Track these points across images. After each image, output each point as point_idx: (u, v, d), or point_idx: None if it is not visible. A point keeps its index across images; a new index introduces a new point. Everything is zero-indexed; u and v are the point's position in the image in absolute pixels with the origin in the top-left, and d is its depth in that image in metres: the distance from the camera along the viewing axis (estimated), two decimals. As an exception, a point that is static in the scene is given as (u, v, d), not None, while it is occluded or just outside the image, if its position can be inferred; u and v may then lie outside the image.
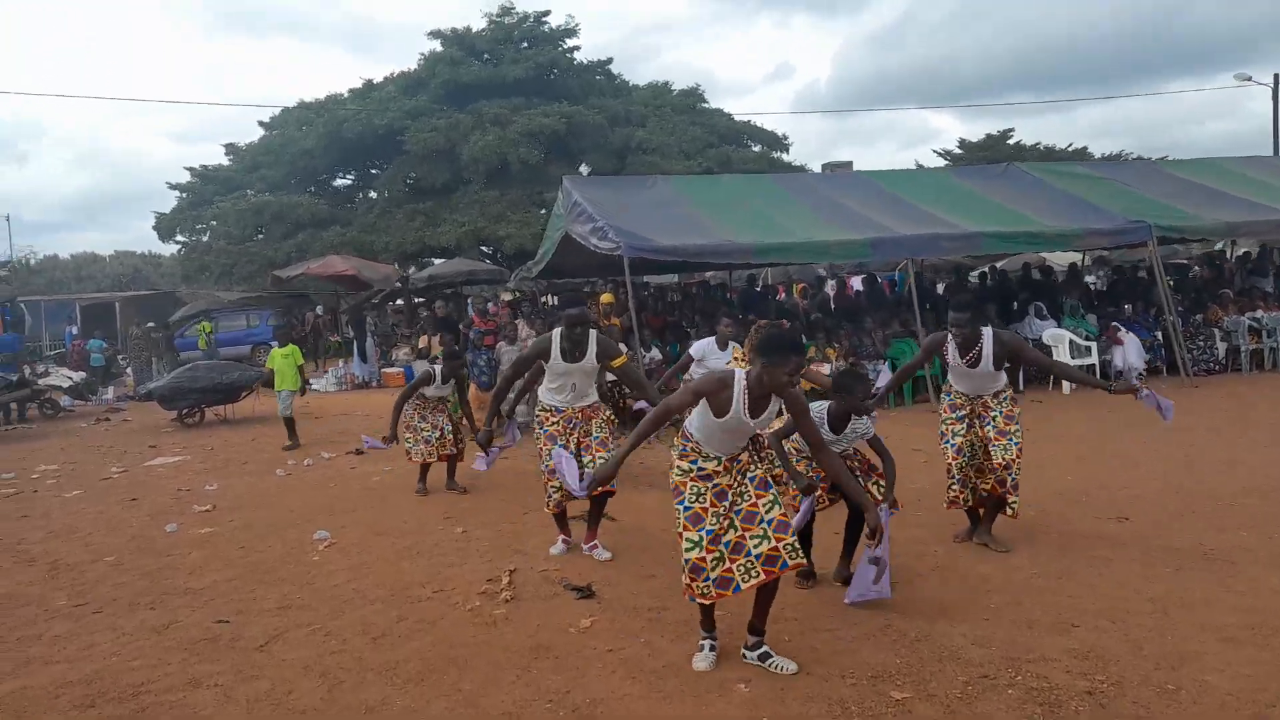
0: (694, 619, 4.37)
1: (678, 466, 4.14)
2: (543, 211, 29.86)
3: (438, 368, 8.12)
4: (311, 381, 19.62)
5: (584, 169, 31.36)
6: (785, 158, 34.59)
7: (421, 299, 26.41)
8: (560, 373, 5.69)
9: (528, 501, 7.65)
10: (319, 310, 25.17)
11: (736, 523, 4.05)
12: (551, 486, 5.73)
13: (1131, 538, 5.80)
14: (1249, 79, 31.64)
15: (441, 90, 31.44)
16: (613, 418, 5.96)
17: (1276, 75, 30.76)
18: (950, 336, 5.64)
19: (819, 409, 4.96)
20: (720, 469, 4.11)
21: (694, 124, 32.44)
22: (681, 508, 4.08)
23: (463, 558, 6.07)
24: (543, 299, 12.81)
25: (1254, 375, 13.47)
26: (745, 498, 4.08)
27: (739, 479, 4.12)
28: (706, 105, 35.21)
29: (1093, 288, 17.45)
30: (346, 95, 34.29)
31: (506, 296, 20.75)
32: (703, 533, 4.02)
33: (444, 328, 11.86)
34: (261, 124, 34.81)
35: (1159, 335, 13.82)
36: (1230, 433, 9.13)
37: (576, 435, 5.75)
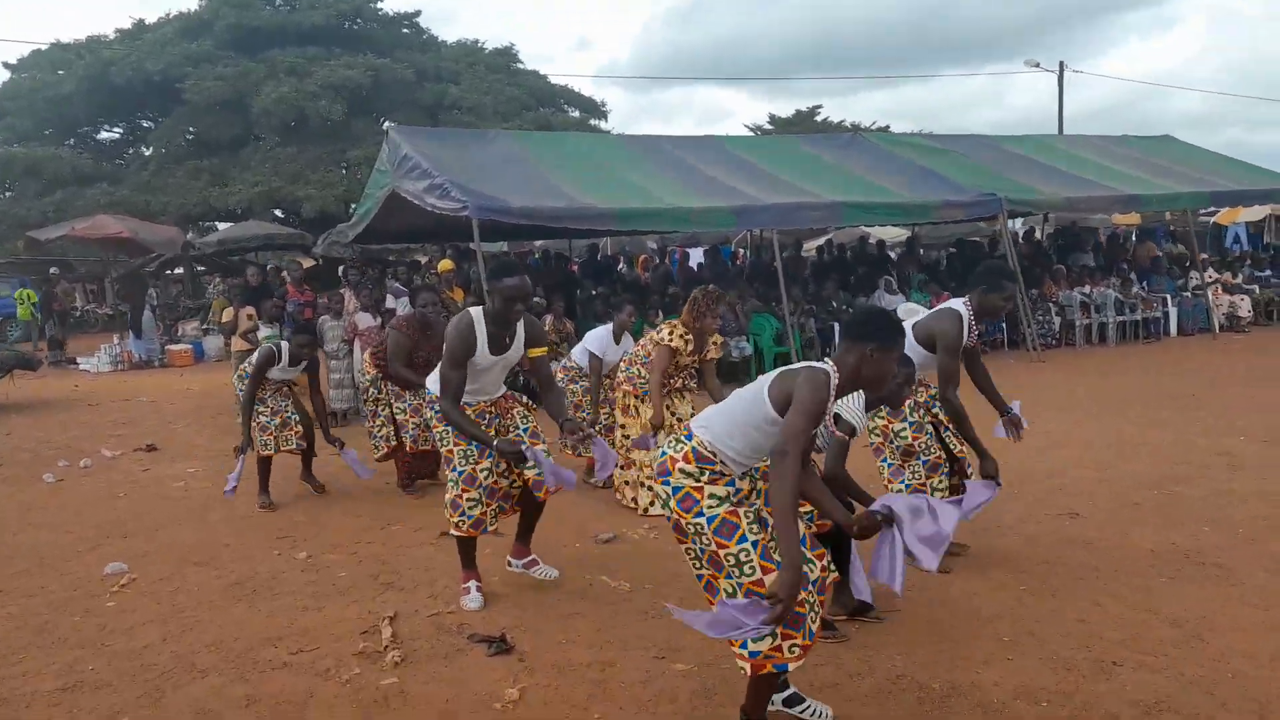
0: (653, 679, 3.34)
1: (710, 495, 3.03)
2: (344, 171, 27.64)
3: (285, 346, 6.55)
4: (79, 360, 17.06)
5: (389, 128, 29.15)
6: (604, 125, 33.71)
7: (204, 267, 23.61)
8: (481, 369, 4.32)
9: (386, 512, 6.28)
10: (56, 273, 20.95)
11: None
12: (467, 499, 4.36)
13: (1098, 539, 5.21)
14: (1037, 65, 33.69)
15: (227, 35, 28.27)
16: (530, 403, 4.73)
17: (1062, 63, 32.93)
18: (969, 318, 4.56)
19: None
20: (750, 486, 3.17)
21: (510, 84, 30.81)
22: (752, 547, 2.95)
23: (319, 598, 4.69)
24: (366, 267, 11.17)
25: (1088, 349, 13.83)
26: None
27: (753, 487, 3.19)
28: (522, 66, 33.62)
29: (924, 263, 17.61)
30: (113, 36, 30.21)
31: (308, 263, 18.64)
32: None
33: (258, 298, 10.05)
34: (7, 65, 30.19)
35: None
36: (1109, 411, 8.99)
37: (494, 431, 4.47)
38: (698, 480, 3.04)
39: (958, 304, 4.63)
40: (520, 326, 4.36)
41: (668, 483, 3.09)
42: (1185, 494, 5.99)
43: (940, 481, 4.74)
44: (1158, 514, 5.60)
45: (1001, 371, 11.75)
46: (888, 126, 37.33)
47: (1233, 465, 6.64)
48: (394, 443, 6.72)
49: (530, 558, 4.67)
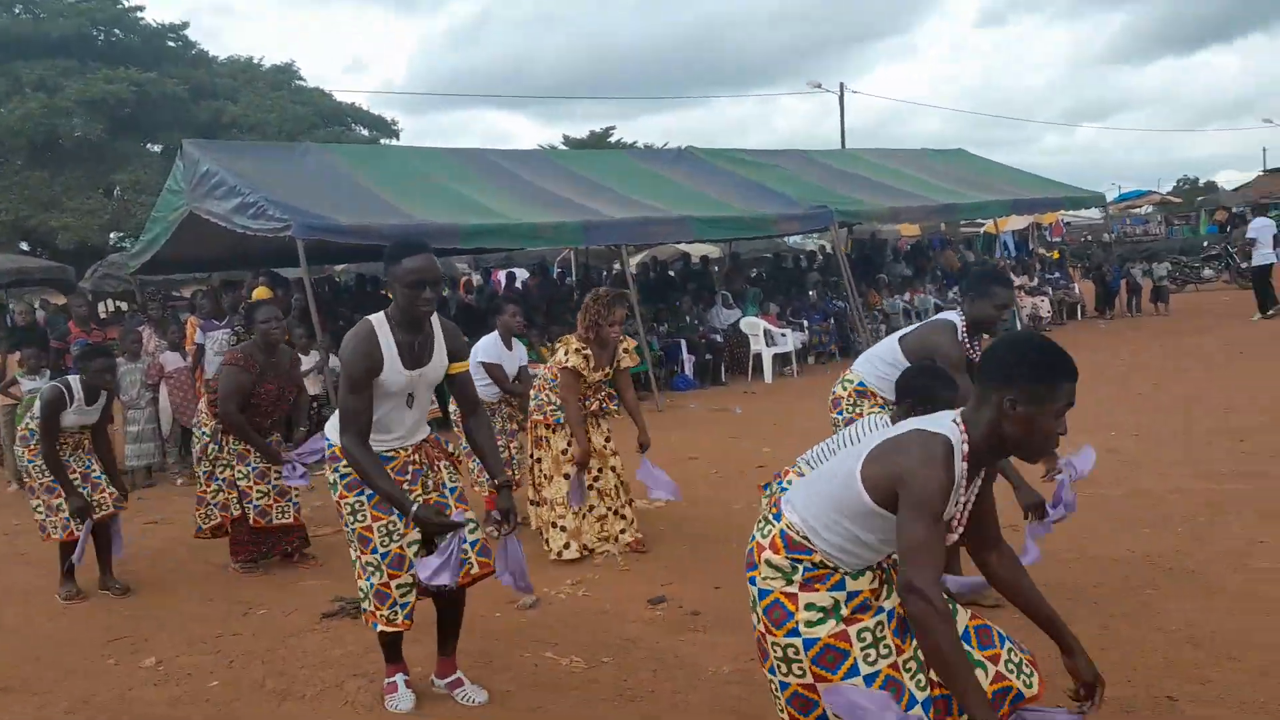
0: None
1: (808, 605, 2.20)
2: (108, 197, 24.78)
3: (74, 381, 5.20)
4: None
5: (156, 150, 26.47)
6: (396, 144, 32.18)
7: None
8: (393, 390, 3.30)
9: (239, 593, 5.16)
10: None
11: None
12: (398, 586, 3.38)
13: (1055, 550, 4.97)
14: (819, 85, 35.38)
15: (-42, 45, 24.74)
16: (456, 453, 3.78)
17: (841, 84, 34.71)
18: (963, 330, 4.09)
19: (879, 419, 3.45)
20: (875, 585, 2.31)
21: (294, 101, 28.81)
22: (864, 684, 2.16)
23: (188, 721, 3.63)
24: (153, 302, 9.57)
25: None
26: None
27: (883, 582, 2.36)
28: (303, 83, 31.58)
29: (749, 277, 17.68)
30: None
31: (60, 300, 16.29)
32: (918, 709, 2.19)
33: (28, 340, 8.37)
34: None
35: (831, 321, 14.14)
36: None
37: (419, 494, 3.40)
38: (789, 580, 2.23)
39: (951, 315, 4.21)
40: (437, 329, 3.38)
41: (754, 582, 2.32)
42: (1105, 495, 5.90)
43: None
44: (1096, 518, 5.45)
45: (829, 382, 11.88)
46: (687, 147, 38.05)
47: (1124, 462, 6.69)
48: (233, 513, 5.42)
49: (455, 675, 3.63)
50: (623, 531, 5.39)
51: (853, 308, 13.46)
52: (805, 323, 13.53)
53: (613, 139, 41.96)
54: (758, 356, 12.26)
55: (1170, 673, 3.45)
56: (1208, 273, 21.10)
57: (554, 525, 5.28)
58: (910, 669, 2.23)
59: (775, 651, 2.26)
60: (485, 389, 5.82)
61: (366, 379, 3.19)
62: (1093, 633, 3.73)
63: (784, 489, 3.44)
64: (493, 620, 4.46)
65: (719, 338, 12.55)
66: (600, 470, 5.36)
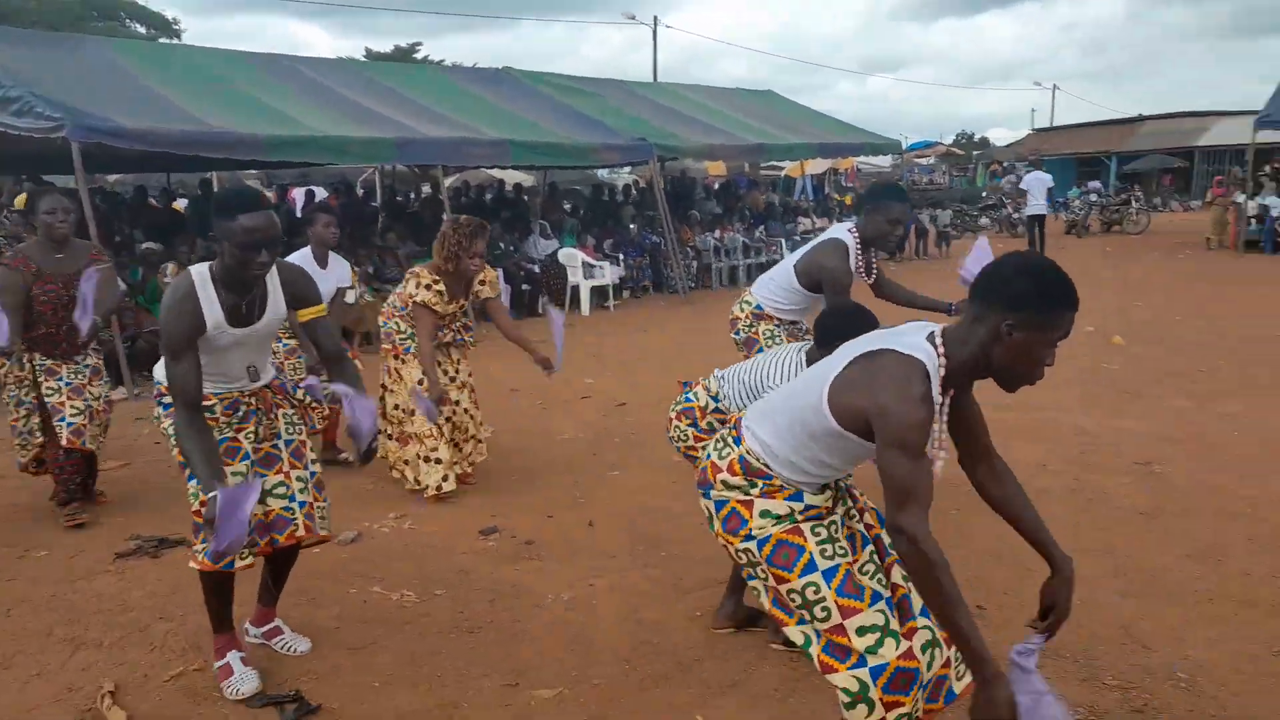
0: (520, 714, 2.58)
1: (762, 512, 2.23)
2: None
3: None
4: None
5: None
6: (184, 44, 29.34)
7: None
8: (221, 348, 2.92)
9: (15, 536, 4.61)
10: None
11: (894, 573, 2.30)
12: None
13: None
14: (633, 17, 35.13)
15: None
16: (307, 400, 3.40)
17: (655, 17, 34.60)
18: (855, 246, 3.98)
19: (797, 358, 3.27)
20: (830, 502, 2.31)
21: (58, -11, 25.67)
22: (823, 579, 2.16)
23: (-34, 676, 3.20)
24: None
25: (724, 290, 14.50)
26: (864, 519, 2.39)
27: (849, 505, 2.40)
28: (69, -30, 28.17)
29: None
30: None
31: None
32: (882, 606, 2.18)
33: None
34: None
35: (647, 256, 14.24)
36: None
37: (251, 441, 3.05)
38: (747, 493, 2.25)
39: (840, 230, 4.11)
40: (275, 282, 2.98)
41: (708, 495, 2.33)
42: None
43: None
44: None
45: (655, 313, 12.10)
46: (508, 68, 36.95)
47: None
48: (42, 439, 4.68)
49: (274, 623, 3.35)
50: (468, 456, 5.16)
51: (668, 243, 13.58)
52: (622, 256, 13.54)
53: (419, 55, 40.24)
54: (575, 289, 12.17)
55: (979, 586, 3.70)
56: (984, 221, 22.82)
57: (426, 460, 4.92)
58: (867, 571, 2.22)
59: (741, 558, 2.29)
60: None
61: (188, 344, 2.79)
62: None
63: (690, 400, 3.41)
64: (312, 556, 4.19)
65: (536, 268, 12.35)
66: (456, 404, 5.07)
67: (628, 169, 21.61)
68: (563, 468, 5.48)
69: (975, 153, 45.37)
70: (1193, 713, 2.83)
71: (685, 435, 3.41)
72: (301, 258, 5.45)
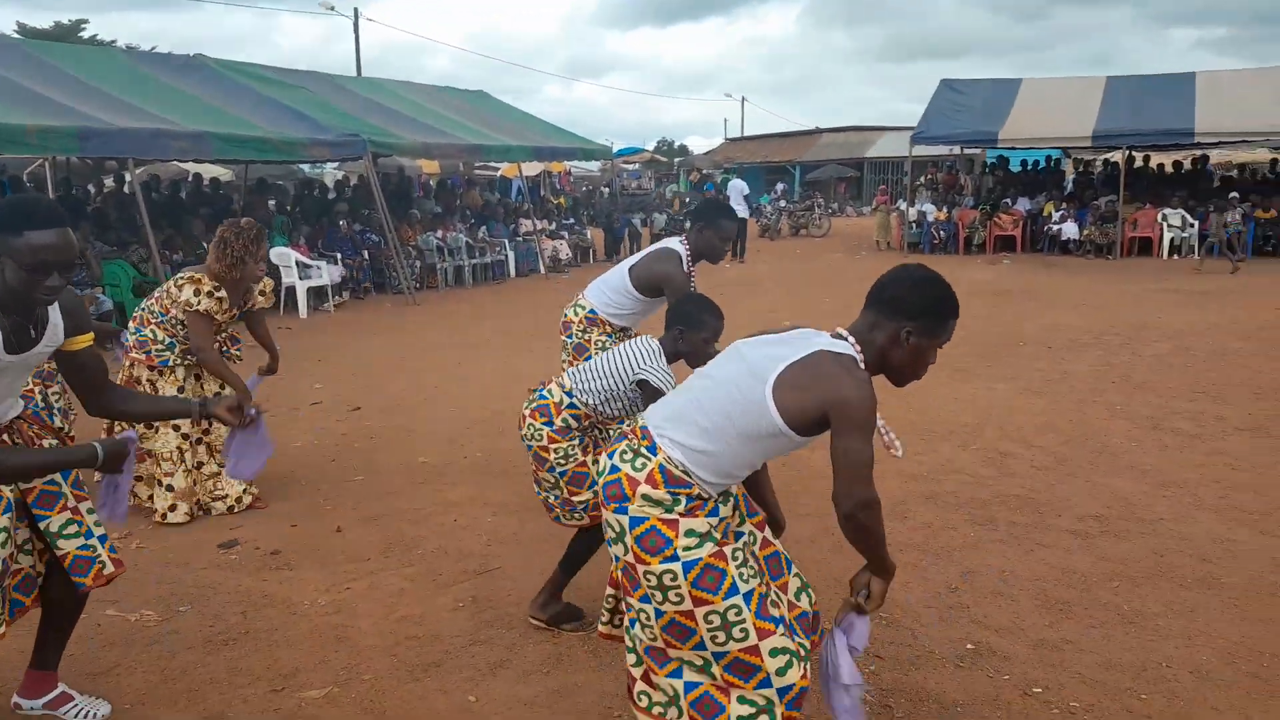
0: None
1: (688, 531, 2.19)
2: None
3: None
4: None
5: None
6: None
7: None
8: None
9: None
10: None
11: (774, 586, 2.43)
12: None
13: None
14: (332, 8, 33.74)
15: None
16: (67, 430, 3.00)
17: (356, 9, 33.47)
18: (687, 258, 4.19)
19: (653, 352, 3.28)
20: (733, 514, 2.39)
21: None
22: (744, 602, 2.19)
23: None
24: None
25: (451, 290, 14.46)
26: (756, 538, 2.48)
27: (735, 509, 2.45)
28: None
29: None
30: None
31: None
32: (786, 629, 2.28)
33: None
34: None
35: (365, 255, 13.88)
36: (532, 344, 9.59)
37: (14, 488, 2.58)
38: (669, 510, 2.20)
39: (673, 243, 4.26)
40: (55, 307, 2.57)
41: (623, 510, 2.23)
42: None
43: None
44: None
45: (381, 315, 11.87)
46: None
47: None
48: None
49: (59, 690, 2.86)
50: (245, 491, 4.75)
51: (389, 242, 13.31)
52: (339, 255, 13.09)
53: (85, 34, 36.21)
54: (291, 289, 11.63)
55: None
56: (689, 224, 24.27)
57: (160, 484, 4.55)
58: (766, 593, 2.31)
59: (649, 580, 2.21)
60: None
61: None
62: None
63: (544, 397, 3.32)
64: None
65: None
66: (210, 425, 4.66)
67: (333, 164, 20.80)
68: (301, 476, 5.32)
69: (676, 159, 48.03)
70: (893, 644, 3.34)
71: (539, 435, 3.31)
72: None
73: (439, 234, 15.17)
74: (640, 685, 2.39)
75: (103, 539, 2.72)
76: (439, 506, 4.78)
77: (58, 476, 2.67)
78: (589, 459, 3.30)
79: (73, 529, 2.66)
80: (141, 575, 3.95)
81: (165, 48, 37.87)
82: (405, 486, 5.09)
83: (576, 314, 4.47)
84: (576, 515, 3.35)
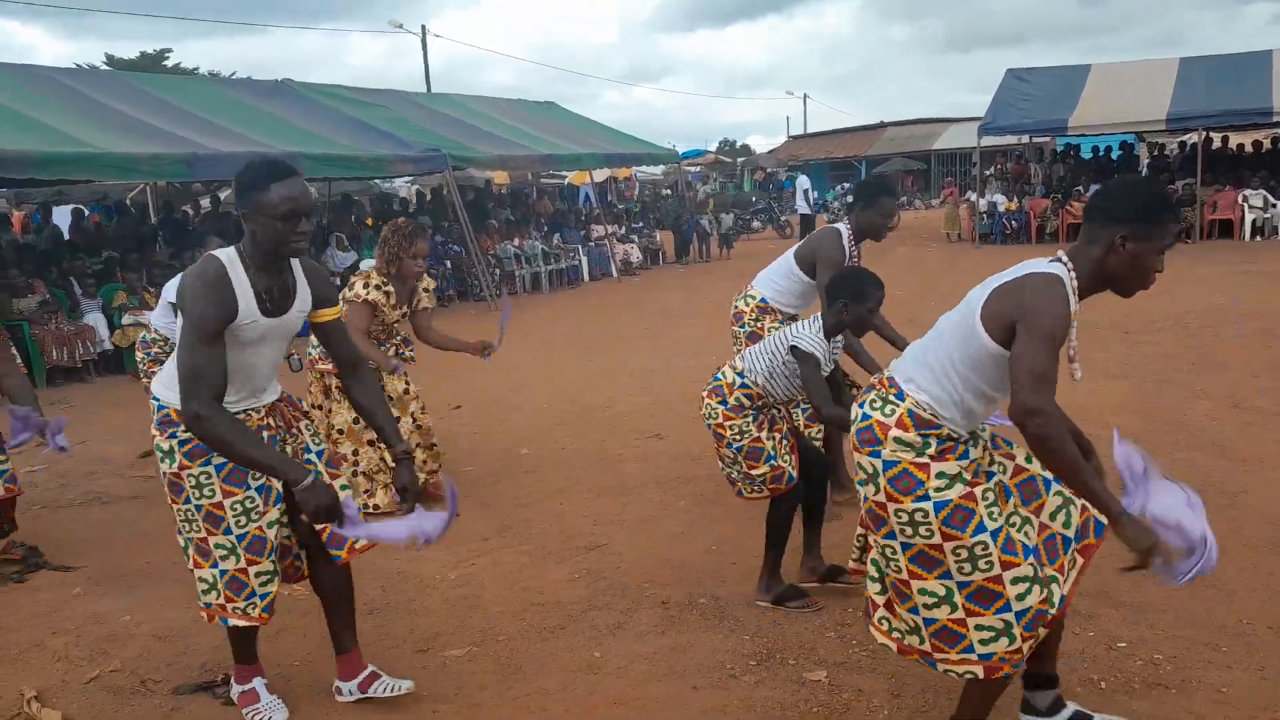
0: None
1: (939, 474, 2.35)
2: None
3: None
4: None
5: None
6: None
7: None
8: (248, 343, 2.70)
9: None
10: None
11: (1025, 511, 2.51)
12: (258, 574, 2.79)
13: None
14: (400, 26, 34.69)
15: None
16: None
17: (424, 26, 34.38)
18: (849, 238, 4.34)
19: (808, 325, 3.49)
20: (984, 455, 2.50)
21: None
22: (991, 538, 2.34)
23: None
24: None
25: (529, 295, 14.94)
26: (1007, 468, 2.55)
27: (996, 461, 2.55)
28: None
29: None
30: None
31: None
32: (1032, 559, 2.40)
33: None
34: None
35: (448, 264, 14.42)
36: (603, 344, 9.95)
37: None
38: (920, 454, 2.35)
39: (838, 225, 4.51)
40: (300, 273, 2.79)
41: (877, 454, 2.39)
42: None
43: (819, 432, 4.37)
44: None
45: (468, 322, 12.33)
46: (250, 76, 35.44)
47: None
48: None
49: (367, 670, 3.04)
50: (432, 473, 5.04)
51: (471, 252, 13.82)
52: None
53: (169, 62, 37.83)
54: (380, 299, 12.18)
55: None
56: (756, 224, 24.52)
57: (382, 486, 4.86)
58: (1015, 524, 2.41)
59: (899, 517, 2.36)
60: (173, 328, 5.27)
61: (218, 330, 2.59)
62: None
63: (719, 379, 3.54)
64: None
65: (337, 281, 12.26)
66: (399, 417, 4.92)
67: (406, 179, 21.49)
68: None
69: (740, 159, 48.10)
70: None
71: (715, 413, 3.53)
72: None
73: (515, 242, 15.67)
74: (881, 611, 2.57)
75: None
76: (544, 492, 5.15)
77: (312, 456, 2.90)
78: (764, 434, 3.48)
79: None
80: (287, 556, 4.38)
81: (243, 72, 39.20)
82: (511, 475, 5.47)
83: (748, 304, 4.68)
84: (756, 488, 3.54)
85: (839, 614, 3.52)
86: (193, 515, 2.77)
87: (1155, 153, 21.78)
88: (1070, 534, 2.48)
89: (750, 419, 3.49)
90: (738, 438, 3.49)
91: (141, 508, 5.32)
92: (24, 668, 3.36)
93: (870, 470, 2.42)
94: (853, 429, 2.48)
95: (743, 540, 4.24)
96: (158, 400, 2.79)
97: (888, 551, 2.45)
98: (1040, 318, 2.17)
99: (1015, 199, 19.15)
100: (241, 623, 2.83)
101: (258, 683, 2.98)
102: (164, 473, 2.78)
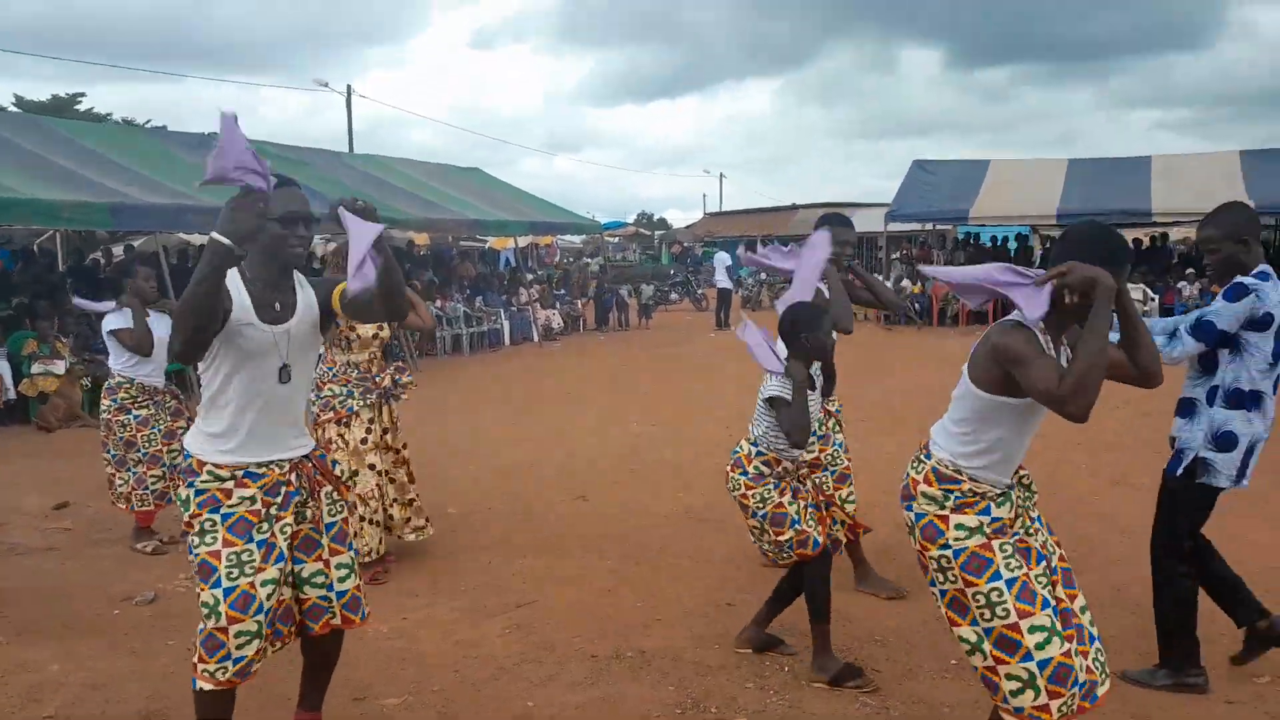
0: None
1: (957, 525, 2.61)
2: None
3: None
4: None
5: None
6: None
7: None
8: (252, 349, 2.67)
9: None
10: None
11: (1058, 589, 2.68)
12: (238, 633, 2.63)
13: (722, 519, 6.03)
14: (325, 84, 34.77)
15: None
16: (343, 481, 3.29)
17: (350, 86, 34.58)
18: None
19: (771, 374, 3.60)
20: (1011, 514, 2.67)
21: None
22: (1005, 586, 2.54)
23: None
24: None
25: (449, 358, 14.99)
26: (1039, 538, 2.72)
27: (1024, 514, 2.73)
28: None
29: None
30: None
31: None
32: (1050, 612, 2.56)
33: None
34: None
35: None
36: (533, 406, 10.11)
37: (286, 535, 2.74)
38: (942, 506, 2.64)
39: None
40: (300, 282, 2.79)
41: (910, 507, 2.70)
42: (645, 464, 7.17)
43: (850, 494, 4.45)
44: (655, 482, 6.64)
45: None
46: (164, 125, 34.89)
47: (652, 441, 8.12)
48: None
49: None
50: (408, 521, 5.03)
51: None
52: (341, 324, 13.63)
53: (81, 106, 37.08)
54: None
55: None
56: (674, 296, 25.10)
57: (369, 522, 4.83)
58: (1040, 582, 2.58)
59: (932, 563, 2.64)
60: (133, 368, 5.32)
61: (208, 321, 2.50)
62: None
63: (736, 453, 3.67)
64: (108, 616, 4.29)
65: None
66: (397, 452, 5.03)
67: (324, 237, 21.41)
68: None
69: (658, 232, 49.16)
70: (888, 661, 3.85)
71: (737, 485, 3.65)
72: (121, 318, 5.25)
73: (438, 303, 15.77)
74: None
75: (340, 595, 2.84)
76: (473, 550, 5.27)
77: (321, 529, 2.82)
78: (786, 500, 3.59)
79: (319, 579, 2.82)
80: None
81: (156, 119, 38.64)
82: (440, 533, 5.56)
83: None
84: (785, 554, 3.62)
85: (759, 665, 3.75)
86: (193, 568, 2.70)
87: (1047, 245, 23.21)
88: (1094, 632, 2.67)
89: (771, 486, 3.60)
90: (760, 505, 3.59)
91: (58, 559, 5.27)
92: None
93: (909, 522, 2.72)
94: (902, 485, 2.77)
95: (666, 596, 4.46)
96: (186, 451, 2.76)
97: (935, 596, 2.69)
98: (1006, 350, 2.45)
99: (919, 283, 20.13)
100: (208, 685, 2.64)
101: None
102: (184, 521, 2.73)
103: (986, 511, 2.60)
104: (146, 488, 5.40)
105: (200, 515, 2.66)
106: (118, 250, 16.81)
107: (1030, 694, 2.49)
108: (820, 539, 3.61)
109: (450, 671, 3.75)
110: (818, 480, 3.88)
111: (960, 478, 2.63)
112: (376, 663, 3.83)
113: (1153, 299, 17.69)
